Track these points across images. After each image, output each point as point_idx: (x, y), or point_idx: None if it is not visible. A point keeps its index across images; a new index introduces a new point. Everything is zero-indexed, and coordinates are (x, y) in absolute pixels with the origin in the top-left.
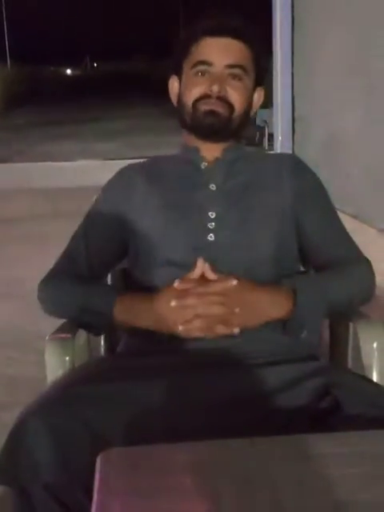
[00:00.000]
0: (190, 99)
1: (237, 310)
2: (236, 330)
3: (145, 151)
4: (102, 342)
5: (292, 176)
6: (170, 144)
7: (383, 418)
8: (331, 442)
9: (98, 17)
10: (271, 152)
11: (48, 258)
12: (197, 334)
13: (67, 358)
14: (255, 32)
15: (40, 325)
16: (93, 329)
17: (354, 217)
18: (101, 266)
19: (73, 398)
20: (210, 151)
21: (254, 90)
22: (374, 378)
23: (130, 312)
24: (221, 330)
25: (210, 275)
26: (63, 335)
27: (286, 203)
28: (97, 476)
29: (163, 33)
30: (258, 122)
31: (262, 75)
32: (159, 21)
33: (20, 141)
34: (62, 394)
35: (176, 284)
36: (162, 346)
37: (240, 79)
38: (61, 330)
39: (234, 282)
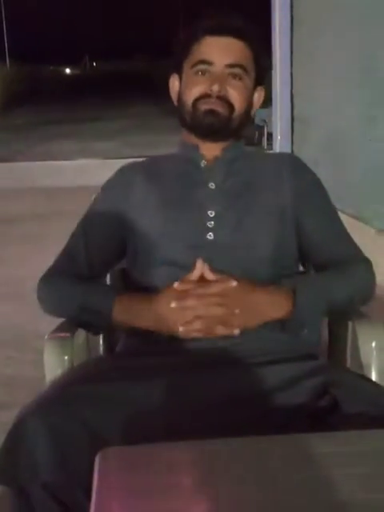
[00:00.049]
0: (190, 98)
1: (237, 310)
2: (236, 331)
3: (144, 150)
4: (101, 342)
5: (292, 176)
6: (169, 143)
7: (382, 417)
8: (330, 441)
9: (98, 16)
10: (271, 151)
11: (47, 257)
12: (197, 334)
13: (66, 358)
14: (256, 31)
15: (39, 324)
16: (92, 328)
17: (354, 217)
18: (100, 265)
19: (72, 398)
20: (210, 150)
21: (254, 89)
22: (373, 377)
23: (128, 312)
24: (221, 330)
25: (209, 276)
26: (62, 334)
27: (285, 203)
28: (95, 475)
29: (163, 32)
30: (257, 121)
31: (262, 75)
32: (159, 20)
33: (19, 140)
34: (60, 393)
35: (176, 285)
36: (160, 345)
37: (240, 79)
38: (60, 329)
39: (234, 283)
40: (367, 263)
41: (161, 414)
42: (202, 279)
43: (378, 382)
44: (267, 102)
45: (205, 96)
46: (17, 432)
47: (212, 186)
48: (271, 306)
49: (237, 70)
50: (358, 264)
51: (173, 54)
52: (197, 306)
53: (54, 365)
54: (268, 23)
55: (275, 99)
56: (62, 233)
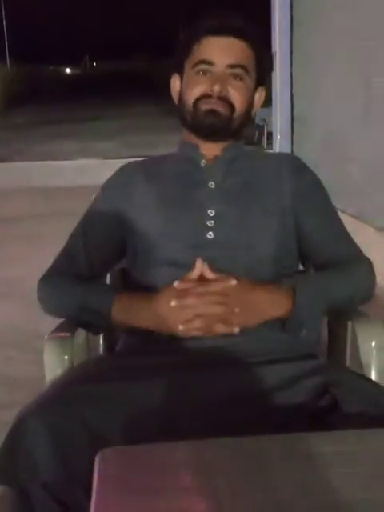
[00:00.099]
0: (190, 98)
1: (237, 309)
2: (236, 330)
3: (144, 150)
4: (101, 341)
5: (292, 176)
6: (169, 143)
7: (381, 416)
8: (330, 440)
9: (98, 16)
10: (270, 151)
11: (47, 258)
12: (197, 333)
13: (66, 357)
14: (257, 32)
15: (39, 324)
16: (91, 328)
17: (354, 217)
18: (100, 265)
19: (72, 398)
20: (210, 150)
21: (255, 89)
22: (373, 377)
23: (128, 311)
24: (221, 329)
25: (209, 275)
26: (62, 334)
27: (285, 203)
28: (95, 475)
29: (163, 32)
30: (257, 120)
31: (263, 75)
32: (159, 20)
33: (19, 140)
34: (60, 393)
35: (176, 284)
36: (160, 345)
37: (241, 79)
38: (60, 329)
39: (234, 282)
40: (367, 263)
41: (161, 414)
42: (202, 278)
43: (378, 381)
44: (267, 101)
45: (206, 96)
46: (17, 432)
47: (212, 185)
48: (271, 304)
49: (238, 71)
50: (358, 264)
51: (174, 53)
52: (197, 305)
53: (53, 365)
54: (268, 23)
55: (275, 99)
56: (61, 233)
